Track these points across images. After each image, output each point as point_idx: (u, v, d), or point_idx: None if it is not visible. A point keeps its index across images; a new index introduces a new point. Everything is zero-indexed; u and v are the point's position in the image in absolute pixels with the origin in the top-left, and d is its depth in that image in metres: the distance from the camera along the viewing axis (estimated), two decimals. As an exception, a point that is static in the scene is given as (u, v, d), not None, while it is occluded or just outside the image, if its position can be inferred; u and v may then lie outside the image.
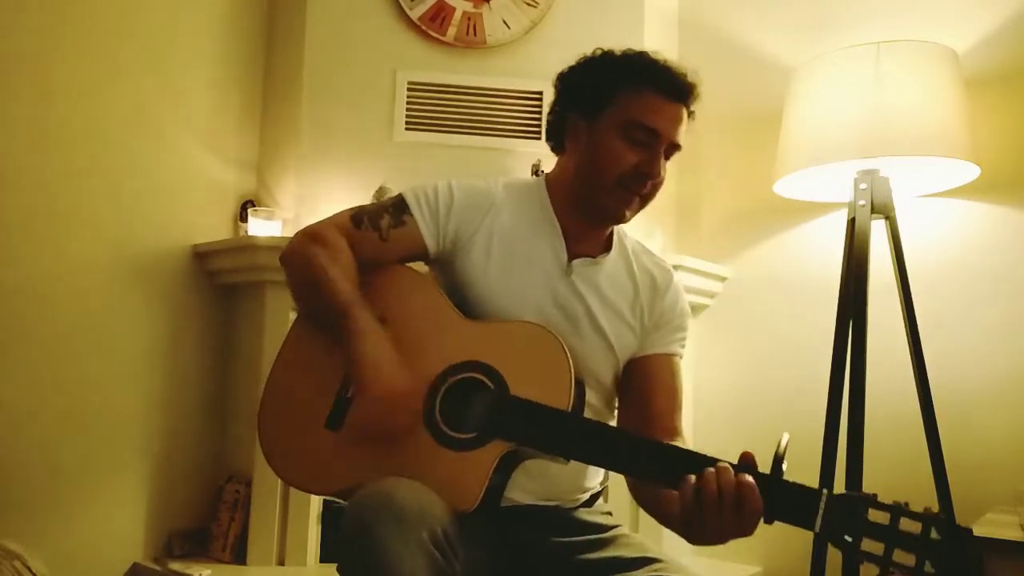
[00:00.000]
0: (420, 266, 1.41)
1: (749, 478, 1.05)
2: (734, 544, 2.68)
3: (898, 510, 1.02)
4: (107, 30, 2.22)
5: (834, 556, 1.93)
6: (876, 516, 1.02)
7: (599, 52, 1.37)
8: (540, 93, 2.41)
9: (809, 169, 2.06)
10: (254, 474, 2.19)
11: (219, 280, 2.41)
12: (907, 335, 2.01)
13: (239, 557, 2.20)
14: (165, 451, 2.30)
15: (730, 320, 2.54)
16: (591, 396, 1.33)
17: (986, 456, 2.09)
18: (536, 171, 2.31)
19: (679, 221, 2.67)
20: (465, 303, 1.32)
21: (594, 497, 1.41)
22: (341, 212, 1.39)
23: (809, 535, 2.06)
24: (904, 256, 2.02)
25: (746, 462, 1.10)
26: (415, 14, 2.41)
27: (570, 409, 1.18)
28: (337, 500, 1.59)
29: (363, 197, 2.25)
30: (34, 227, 2.08)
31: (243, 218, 2.43)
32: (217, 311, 2.43)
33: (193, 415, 2.37)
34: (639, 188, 1.32)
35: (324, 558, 2.18)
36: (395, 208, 1.35)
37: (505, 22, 2.43)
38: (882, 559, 1.00)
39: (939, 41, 2.01)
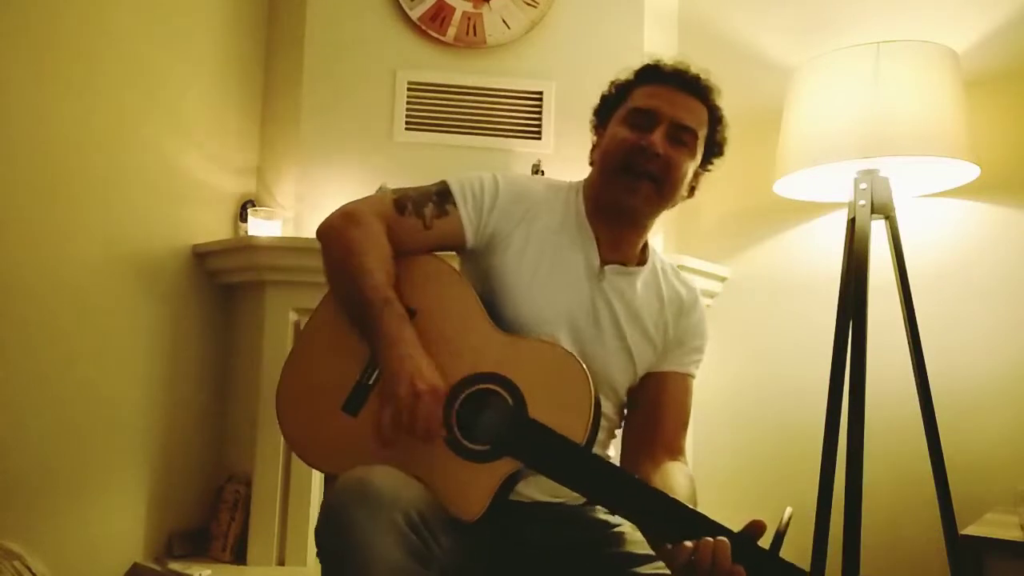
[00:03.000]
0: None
1: (741, 569, 1.02)
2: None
3: None
4: (106, 30, 2.22)
5: (834, 555, 1.93)
6: None
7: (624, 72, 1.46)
8: (540, 93, 2.41)
9: (809, 169, 2.06)
10: (254, 474, 2.19)
11: (219, 280, 2.41)
12: (907, 335, 2.00)
13: (239, 557, 2.20)
14: (165, 451, 2.31)
15: (730, 320, 2.54)
16: (605, 404, 1.33)
17: (986, 456, 2.09)
18: (536, 170, 2.31)
19: (679, 221, 2.67)
20: (494, 300, 1.32)
21: None
22: (383, 195, 1.38)
23: (808, 535, 2.06)
24: (904, 256, 2.02)
25: (751, 532, 1.06)
26: (415, 14, 2.41)
27: (584, 443, 1.17)
28: None
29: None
30: (34, 227, 2.08)
31: (243, 218, 2.43)
32: (217, 311, 2.43)
33: (193, 415, 2.37)
34: (642, 164, 1.32)
35: (324, 558, 2.18)
36: (439, 197, 1.35)
37: (505, 22, 2.43)
38: None
39: (939, 41, 2.01)
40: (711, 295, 2.55)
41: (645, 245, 1.44)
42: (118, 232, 2.23)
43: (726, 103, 1.45)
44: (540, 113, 2.41)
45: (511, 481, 1.20)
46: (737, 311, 2.53)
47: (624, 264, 1.39)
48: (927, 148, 1.94)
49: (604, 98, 1.46)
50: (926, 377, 1.99)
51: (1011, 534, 1.69)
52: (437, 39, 2.42)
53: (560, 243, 1.37)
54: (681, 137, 1.35)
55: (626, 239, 1.40)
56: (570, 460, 1.17)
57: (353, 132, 2.39)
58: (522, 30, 2.42)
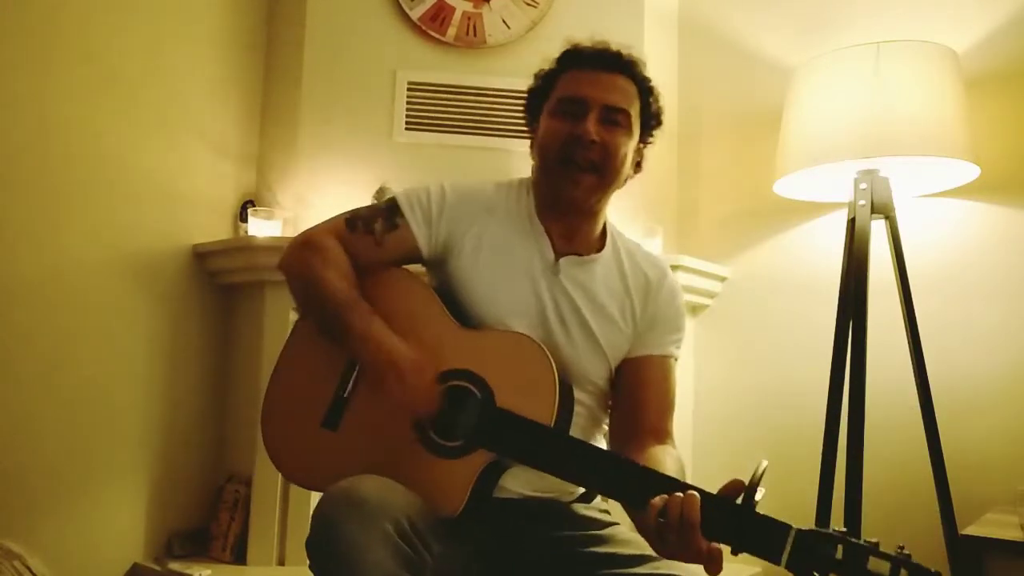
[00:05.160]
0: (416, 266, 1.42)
1: (714, 547, 1.01)
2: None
3: (866, 549, 0.97)
4: (107, 30, 2.22)
5: (834, 556, 1.93)
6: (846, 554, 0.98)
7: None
8: (540, 93, 2.41)
9: (809, 169, 2.06)
10: (254, 474, 2.19)
11: (219, 280, 2.41)
12: (907, 335, 2.01)
13: (239, 557, 2.20)
14: (165, 451, 2.31)
15: (730, 320, 2.54)
16: (585, 397, 1.34)
17: (986, 456, 2.09)
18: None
19: (679, 221, 2.67)
20: (457, 305, 1.33)
21: (589, 493, 1.41)
22: (335, 216, 1.41)
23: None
24: (904, 256, 2.02)
25: (727, 490, 1.05)
26: (415, 14, 2.41)
27: (553, 424, 1.19)
28: None
29: (363, 197, 2.25)
30: (34, 227, 2.08)
31: (243, 218, 2.43)
32: (217, 311, 2.43)
33: (193, 415, 2.37)
34: (580, 154, 1.31)
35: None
36: (388, 212, 1.38)
37: (505, 22, 2.43)
38: None
39: (939, 41, 2.01)
40: (711, 295, 2.55)
41: (604, 230, 1.43)
42: (118, 232, 2.23)
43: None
44: (540, 113, 2.41)
45: (490, 473, 1.21)
46: (737, 311, 2.53)
47: (580, 254, 1.38)
48: (927, 148, 1.94)
49: (531, 91, 1.44)
50: (926, 377, 1.99)
51: (1011, 534, 1.69)
52: (437, 39, 2.42)
53: (513, 242, 1.37)
54: (614, 118, 1.34)
55: (579, 229, 1.39)
56: (540, 442, 1.19)
57: (353, 132, 2.39)
58: (522, 30, 2.42)
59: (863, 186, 2.02)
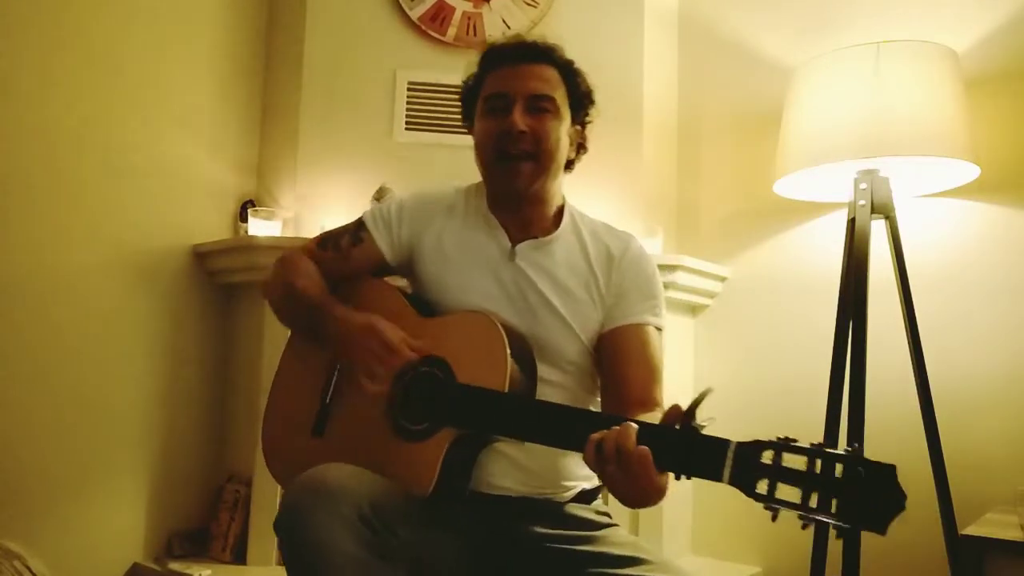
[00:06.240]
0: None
1: (646, 449, 1.01)
2: (734, 544, 2.69)
3: (814, 452, 0.94)
4: (107, 30, 2.22)
5: (834, 555, 1.93)
6: (792, 461, 0.94)
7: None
8: (540, 93, 2.41)
9: (809, 169, 2.06)
10: (254, 474, 2.19)
11: (219, 280, 2.41)
12: (907, 335, 2.01)
13: (239, 557, 2.20)
14: (165, 451, 2.31)
15: (730, 320, 2.54)
16: (561, 377, 1.36)
17: (986, 456, 2.09)
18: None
19: (679, 221, 2.67)
20: (428, 304, 1.40)
21: (589, 493, 1.41)
22: (311, 238, 1.54)
23: (808, 535, 2.06)
24: (904, 256, 2.02)
25: (667, 418, 1.05)
26: (415, 14, 2.41)
27: (507, 387, 1.21)
28: None
29: (363, 197, 2.25)
30: (34, 227, 2.08)
31: (243, 218, 2.43)
32: (217, 311, 2.43)
33: (193, 415, 2.37)
34: (513, 147, 1.37)
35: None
36: (355, 228, 1.48)
37: (505, 22, 2.43)
38: (799, 505, 0.92)
39: (939, 41, 2.01)
40: (711, 295, 2.55)
41: (560, 212, 1.46)
42: (118, 232, 2.23)
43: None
44: (540, 113, 2.41)
45: (458, 449, 1.23)
46: (737, 311, 2.53)
47: (536, 238, 1.42)
48: (927, 148, 1.94)
49: (462, 97, 1.50)
50: (926, 377, 1.99)
51: (1011, 534, 1.69)
52: (437, 39, 2.42)
53: (471, 237, 1.43)
54: (540, 106, 1.39)
55: (531, 218, 1.44)
56: (490, 407, 1.21)
57: (353, 132, 2.39)
58: (522, 30, 2.40)
59: (863, 186, 2.02)
